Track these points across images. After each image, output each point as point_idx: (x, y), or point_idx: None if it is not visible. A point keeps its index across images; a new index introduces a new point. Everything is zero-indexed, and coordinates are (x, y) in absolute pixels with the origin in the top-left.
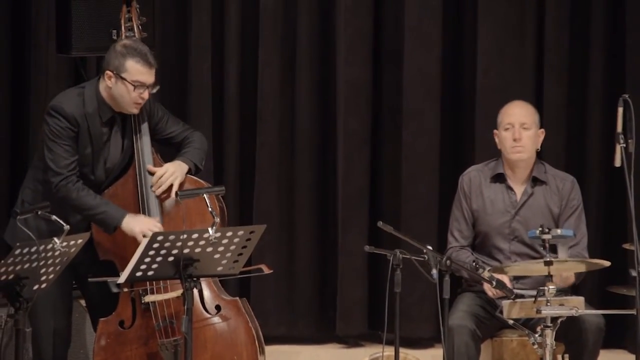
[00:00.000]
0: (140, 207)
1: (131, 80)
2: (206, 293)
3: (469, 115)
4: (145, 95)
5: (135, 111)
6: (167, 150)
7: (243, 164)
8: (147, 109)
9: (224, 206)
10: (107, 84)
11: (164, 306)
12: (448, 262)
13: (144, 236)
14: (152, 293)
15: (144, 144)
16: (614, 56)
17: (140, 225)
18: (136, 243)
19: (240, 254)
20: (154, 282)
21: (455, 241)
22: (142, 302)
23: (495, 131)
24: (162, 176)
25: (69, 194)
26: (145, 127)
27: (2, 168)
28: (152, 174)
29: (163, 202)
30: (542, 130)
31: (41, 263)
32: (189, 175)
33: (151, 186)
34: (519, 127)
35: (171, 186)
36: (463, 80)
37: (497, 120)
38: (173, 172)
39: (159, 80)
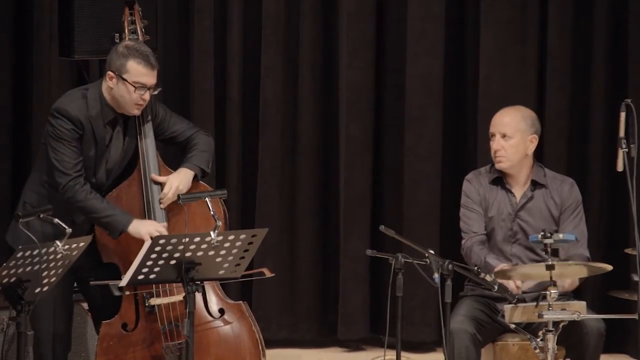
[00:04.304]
0: (145, 211)
1: (132, 81)
2: (210, 296)
3: (471, 120)
4: (147, 96)
5: (137, 112)
6: (171, 150)
7: (245, 168)
8: (150, 110)
9: (226, 210)
10: (109, 85)
11: (169, 309)
12: (450, 266)
13: (151, 238)
14: (158, 296)
15: (149, 146)
16: (616, 61)
17: (146, 227)
18: (140, 245)
19: (242, 258)
20: (159, 285)
21: (472, 232)
22: (147, 304)
23: None
24: (167, 193)
25: (75, 195)
26: (149, 128)
27: (4, 171)
28: (156, 183)
29: (168, 206)
30: (534, 136)
31: (43, 266)
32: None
33: (159, 200)
34: (499, 138)
35: None
36: (465, 86)
37: None
38: (177, 187)
39: (160, 82)
